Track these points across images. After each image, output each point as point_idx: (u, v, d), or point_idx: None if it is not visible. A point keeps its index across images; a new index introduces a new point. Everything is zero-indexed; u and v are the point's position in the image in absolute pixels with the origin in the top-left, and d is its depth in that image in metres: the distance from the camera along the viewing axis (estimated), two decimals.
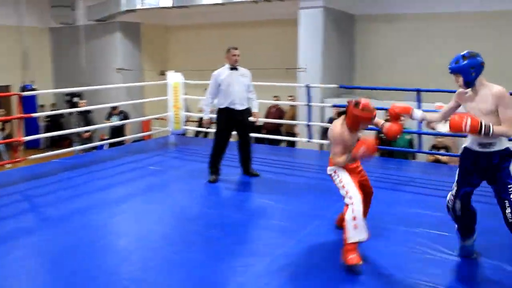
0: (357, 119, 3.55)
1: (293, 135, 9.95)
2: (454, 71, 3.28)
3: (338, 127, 3.64)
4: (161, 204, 4.98)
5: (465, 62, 3.23)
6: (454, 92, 7.11)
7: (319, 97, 10.19)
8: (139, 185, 5.72)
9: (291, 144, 9.61)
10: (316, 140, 8.21)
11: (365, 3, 11.53)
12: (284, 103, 10.27)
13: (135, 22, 14.01)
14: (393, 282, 3.32)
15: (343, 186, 3.61)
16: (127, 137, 9.17)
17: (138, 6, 12.76)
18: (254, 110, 5.88)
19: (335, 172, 3.70)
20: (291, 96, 10.21)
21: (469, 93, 3.35)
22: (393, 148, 8.00)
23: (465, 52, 3.30)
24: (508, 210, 3.19)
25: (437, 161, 7.66)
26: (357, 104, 3.53)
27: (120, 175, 6.20)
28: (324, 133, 9.21)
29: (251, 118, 5.94)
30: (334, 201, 5.00)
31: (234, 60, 5.63)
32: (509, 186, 3.22)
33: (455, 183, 3.50)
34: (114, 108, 9.83)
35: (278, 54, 12.44)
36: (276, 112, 10.45)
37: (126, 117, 9.91)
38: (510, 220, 3.18)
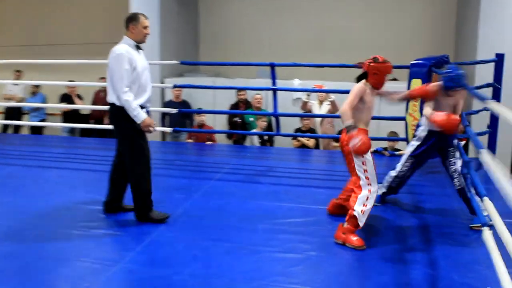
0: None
1: None
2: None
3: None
4: None
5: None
6: (312, 66, 7.52)
7: (158, 77, 10.08)
8: None
9: None
10: (158, 128, 8.08)
11: None
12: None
13: None
14: None
15: (365, 171, 4.08)
16: None
17: None
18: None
19: None
20: None
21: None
22: (247, 132, 8.24)
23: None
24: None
25: (303, 146, 8.09)
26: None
27: None
28: (164, 118, 9.17)
29: None
30: (183, 199, 5.01)
31: (145, 34, 4.51)
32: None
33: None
34: None
35: (106, 27, 12.03)
36: (105, 96, 10.10)
37: None
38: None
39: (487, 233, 3.16)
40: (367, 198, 4.04)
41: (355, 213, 3.99)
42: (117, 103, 4.36)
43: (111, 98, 4.42)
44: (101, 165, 6.43)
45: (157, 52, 10.23)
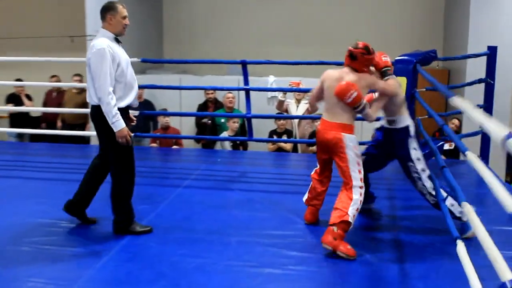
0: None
1: (83, 126, 9.66)
2: None
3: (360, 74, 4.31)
4: None
5: None
6: (288, 63, 7.51)
7: None
8: None
9: (83, 139, 9.33)
10: None
11: None
12: (68, 85, 9.87)
13: None
14: None
15: (359, 171, 4.20)
16: None
17: None
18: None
19: (355, 147, 4.23)
20: (77, 76, 9.84)
21: None
22: (216, 138, 8.25)
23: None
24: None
25: (280, 149, 8.11)
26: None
27: None
28: None
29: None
30: (147, 210, 4.98)
31: (124, 25, 4.51)
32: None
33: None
34: None
35: (59, 19, 11.93)
36: (58, 97, 10.02)
37: None
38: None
39: (460, 246, 3.22)
40: (360, 201, 4.14)
41: (349, 218, 4.03)
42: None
43: (94, 99, 4.36)
44: (54, 173, 6.40)
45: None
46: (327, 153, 4.36)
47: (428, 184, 4.44)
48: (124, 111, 4.38)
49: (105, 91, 4.22)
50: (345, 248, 3.98)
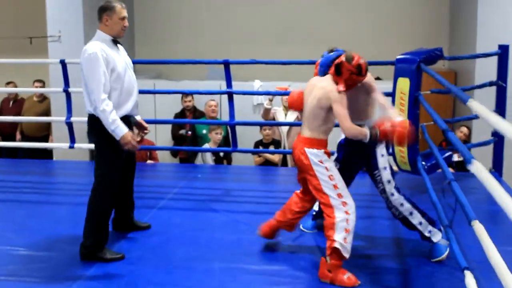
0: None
1: (46, 139, 9.61)
2: None
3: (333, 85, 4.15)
4: None
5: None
6: (275, 63, 7.47)
7: None
8: None
9: (45, 154, 9.27)
10: (84, 145, 7.97)
11: None
12: (26, 90, 9.81)
13: None
14: None
15: (335, 187, 4.08)
16: None
17: None
18: (138, 117, 4.96)
19: (321, 161, 4.12)
20: (39, 82, 9.82)
21: None
22: (196, 149, 8.20)
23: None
24: None
25: (267, 162, 8.06)
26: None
27: None
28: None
29: None
30: (121, 234, 4.95)
31: (122, 27, 4.59)
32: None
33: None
34: None
35: (16, 17, 11.91)
36: (16, 106, 9.97)
37: None
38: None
39: (469, 278, 3.19)
40: (347, 220, 4.02)
41: (336, 245, 3.95)
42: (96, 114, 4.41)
43: (88, 107, 4.45)
44: (11, 193, 6.35)
45: (81, 49, 10.13)
46: (302, 172, 4.32)
47: (395, 197, 4.38)
48: (124, 121, 4.42)
49: (98, 98, 4.29)
50: (343, 279, 3.96)
